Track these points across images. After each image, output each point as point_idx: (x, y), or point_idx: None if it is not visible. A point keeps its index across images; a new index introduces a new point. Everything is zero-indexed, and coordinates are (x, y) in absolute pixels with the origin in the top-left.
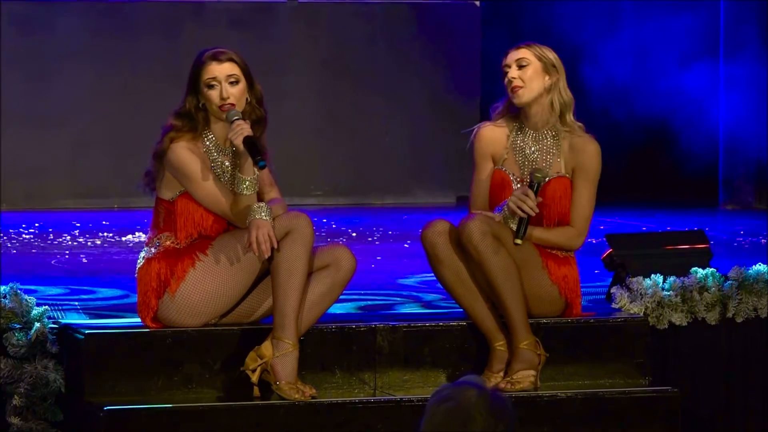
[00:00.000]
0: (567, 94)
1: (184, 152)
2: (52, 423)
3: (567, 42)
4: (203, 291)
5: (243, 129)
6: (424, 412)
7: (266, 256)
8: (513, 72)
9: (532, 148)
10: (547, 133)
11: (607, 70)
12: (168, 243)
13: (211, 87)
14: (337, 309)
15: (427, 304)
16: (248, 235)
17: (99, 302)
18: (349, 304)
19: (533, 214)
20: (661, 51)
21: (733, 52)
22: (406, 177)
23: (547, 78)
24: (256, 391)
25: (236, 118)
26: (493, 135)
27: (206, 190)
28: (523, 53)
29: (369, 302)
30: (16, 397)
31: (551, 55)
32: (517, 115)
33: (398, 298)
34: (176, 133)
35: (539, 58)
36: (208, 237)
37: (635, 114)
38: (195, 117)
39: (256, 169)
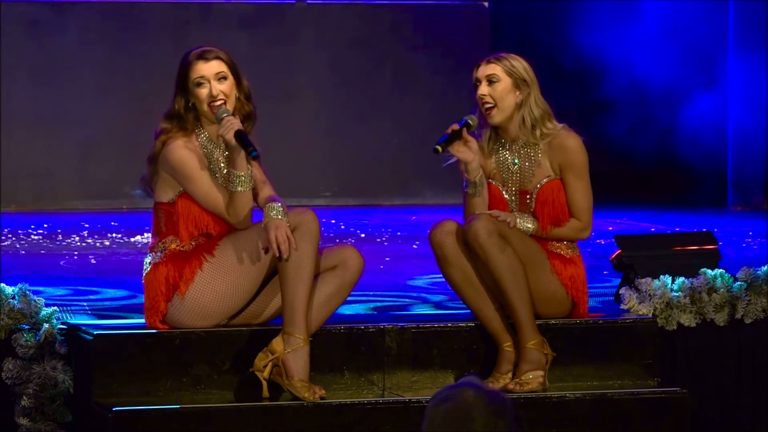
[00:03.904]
0: (539, 108)
1: (181, 151)
2: (60, 424)
3: (575, 42)
4: (213, 292)
5: (233, 124)
6: (423, 415)
7: (285, 256)
8: (483, 88)
9: (514, 160)
10: (526, 142)
11: (614, 70)
12: (173, 246)
13: (199, 85)
14: (346, 310)
15: (436, 305)
16: (267, 236)
17: (107, 303)
18: (358, 304)
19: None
20: (668, 51)
21: (743, 52)
22: (414, 178)
23: (517, 93)
24: (266, 391)
25: (225, 114)
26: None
27: (204, 188)
28: (493, 68)
29: (378, 303)
30: (24, 398)
31: (521, 67)
32: (494, 129)
33: (407, 299)
34: (167, 135)
35: (509, 74)
36: (211, 236)
37: (642, 114)
38: (185, 117)
39: (249, 165)
